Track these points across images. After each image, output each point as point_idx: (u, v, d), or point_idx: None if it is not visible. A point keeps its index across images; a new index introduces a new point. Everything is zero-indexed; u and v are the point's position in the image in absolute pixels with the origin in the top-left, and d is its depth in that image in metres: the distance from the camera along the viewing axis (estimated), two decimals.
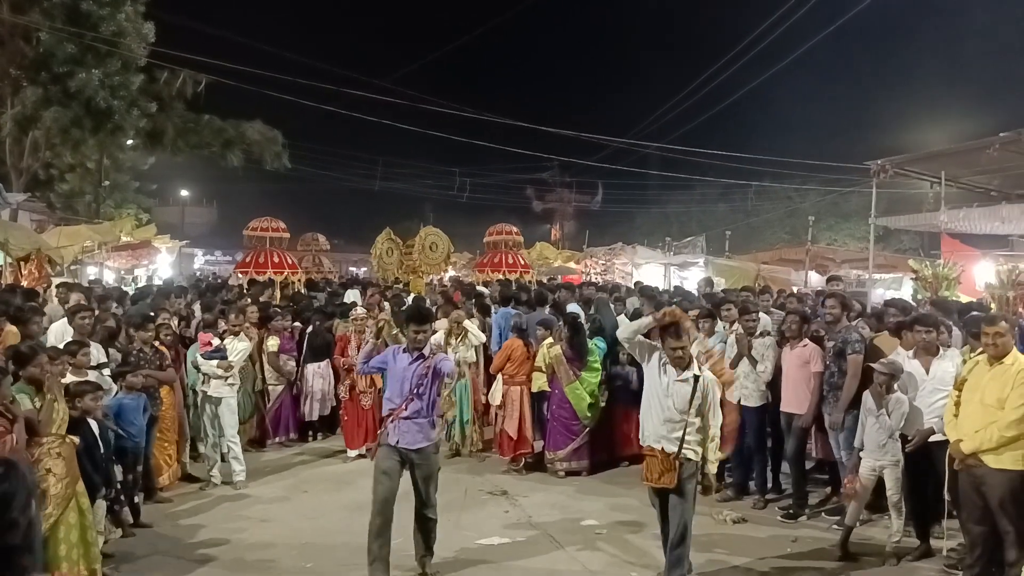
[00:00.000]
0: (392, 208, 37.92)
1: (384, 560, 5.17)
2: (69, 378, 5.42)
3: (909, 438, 5.78)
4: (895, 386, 5.88)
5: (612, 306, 9.62)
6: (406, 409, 5.26)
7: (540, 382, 8.20)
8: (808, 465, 7.29)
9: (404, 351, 5.44)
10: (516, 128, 21.41)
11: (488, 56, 74.42)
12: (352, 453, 8.62)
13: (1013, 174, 13.07)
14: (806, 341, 6.83)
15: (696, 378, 5.07)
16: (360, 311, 9.08)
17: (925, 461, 5.75)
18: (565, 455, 7.98)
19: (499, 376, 8.32)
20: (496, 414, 8.34)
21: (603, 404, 8.10)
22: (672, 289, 14.41)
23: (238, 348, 7.70)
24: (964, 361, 5.65)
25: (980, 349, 5.17)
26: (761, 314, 7.75)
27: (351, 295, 12.92)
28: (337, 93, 20.29)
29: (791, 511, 6.77)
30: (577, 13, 72.49)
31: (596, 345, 8.19)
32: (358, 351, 8.55)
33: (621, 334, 5.54)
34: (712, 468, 5.13)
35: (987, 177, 14.17)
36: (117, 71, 19.49)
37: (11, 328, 6.66)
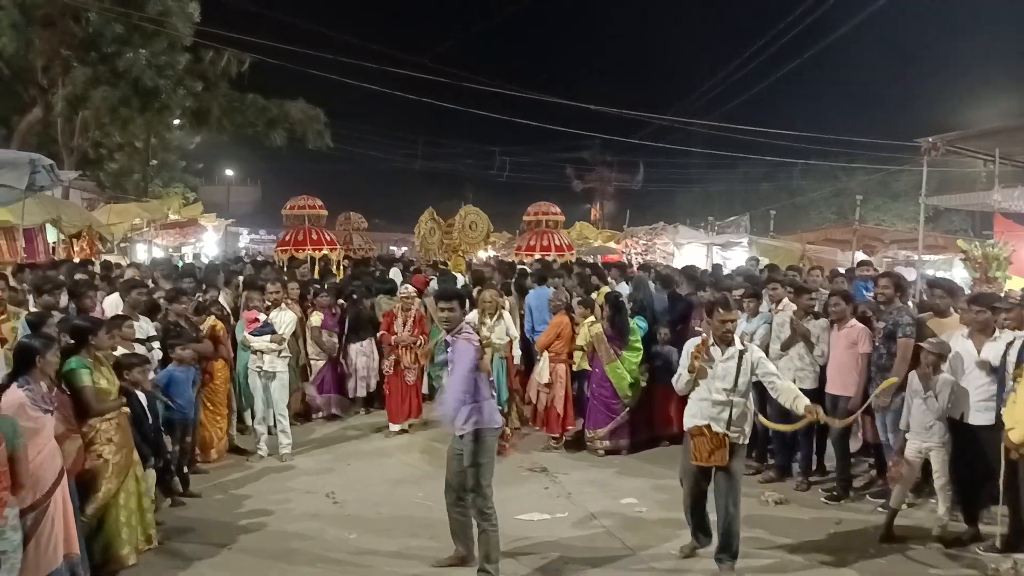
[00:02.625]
0: (432, 187, 38.00)
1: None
2: (118, 351, 5.56)
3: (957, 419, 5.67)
4: (943, 367, 5.76)
5: (653, 285, 9.53)
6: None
7: (580, 361, 8.20)
8: (853, 447, 7.19)
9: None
10: (556, 106, 21.24)
11: (529, 33, 73.69)
12: (395, 427, 8.73)
13: None
14: (853, 321, 6.70)
15: (741, 353, 5.03)
16: (409, 288, 9.16)
17: (974, 444, 5.62)
18: (605, 434, 7.98)
19: (545, 353, 8.31)
20: (538, 392, 8.34)
21: (644, 384, 8.06)
22: (711, 269, 14.20)
23: (285, 320, 7.84)
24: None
25: None
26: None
27: (393, 274, 13.03)
28: (379, 72, 20.30)
29: (835, 493, 6.69)
30: None
31: (637, 324, 8.15)
32: (404, 328, 8.68)
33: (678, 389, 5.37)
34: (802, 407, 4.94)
35: None
36: (163, 51, 19.79)
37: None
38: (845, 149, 27.32)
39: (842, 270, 11.57)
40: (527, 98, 19.97)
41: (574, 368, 8.27)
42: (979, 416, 5.62)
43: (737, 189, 38.32)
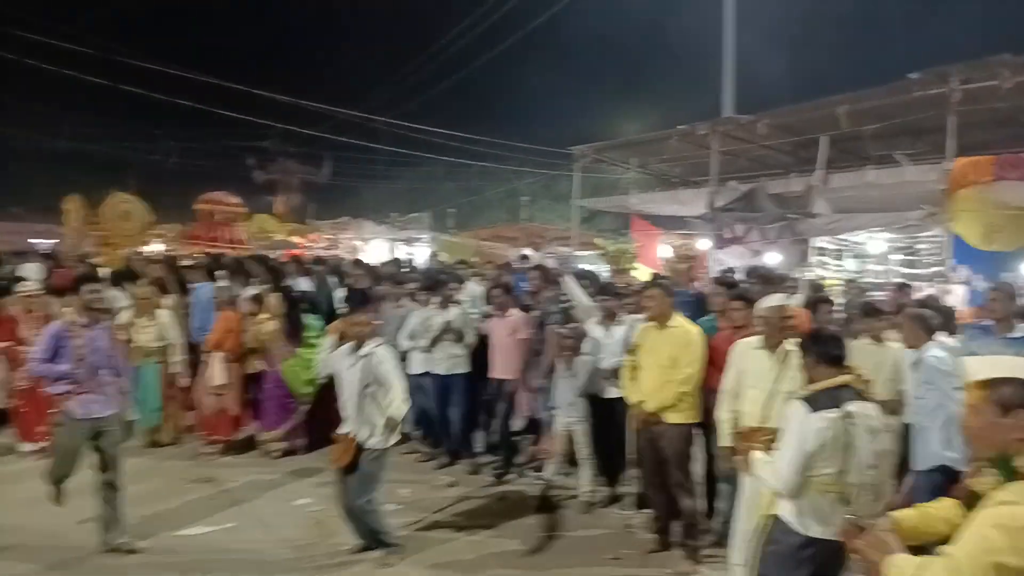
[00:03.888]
0: (90, 172, 33.43)
1: None
2: None
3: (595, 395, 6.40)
4: (581, 350, 6.45)
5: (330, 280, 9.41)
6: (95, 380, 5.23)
7: (253, 361, 7.80)
8: (518, 426, 7.78)
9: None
10: (233, 92, 20.02)
11: (208, 16, 68.41)
12: (29, 447, 7.53)
13: (690, 163, 14.99)
14: (514, 311, 7.24)
15: (364, 356, 5.15)
16: (29, 286, 7.93)
17: (609, 417, 6.36)
18: (281, 435, 7.69)
19: (217, 353, 7.74)
20: (207, 396, 7.76)
21: (321, 381, 7.89)
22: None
23: None
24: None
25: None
26: (472, 285, 8.08)
27: (29, 269, 11.20)
28: (12, 37, 17.40)
29: (500, 470, 7.18)
30: None
31: (313, 321, 7.97)
32: (32, 332, 7.48)
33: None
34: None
35: (670, 164, 16.12)
36: None
37: None
38: (516, 154, 29.61)
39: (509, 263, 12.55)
40: (197, 80, 18.58)
41: (249, 370, 7.84)
42: (612, 392, 6.40)
43: (420, 187, 39.53)
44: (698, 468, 5.72)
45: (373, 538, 5.24)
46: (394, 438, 5.17)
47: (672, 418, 5.35)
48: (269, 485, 6.91)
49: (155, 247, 17.18)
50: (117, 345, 5.78)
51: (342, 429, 5.21)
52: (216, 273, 9.28)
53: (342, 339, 5.58)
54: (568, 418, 6.39)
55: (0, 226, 20.70)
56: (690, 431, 5.45)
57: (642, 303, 5.69)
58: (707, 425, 5.34)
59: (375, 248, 21.60)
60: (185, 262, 11.59)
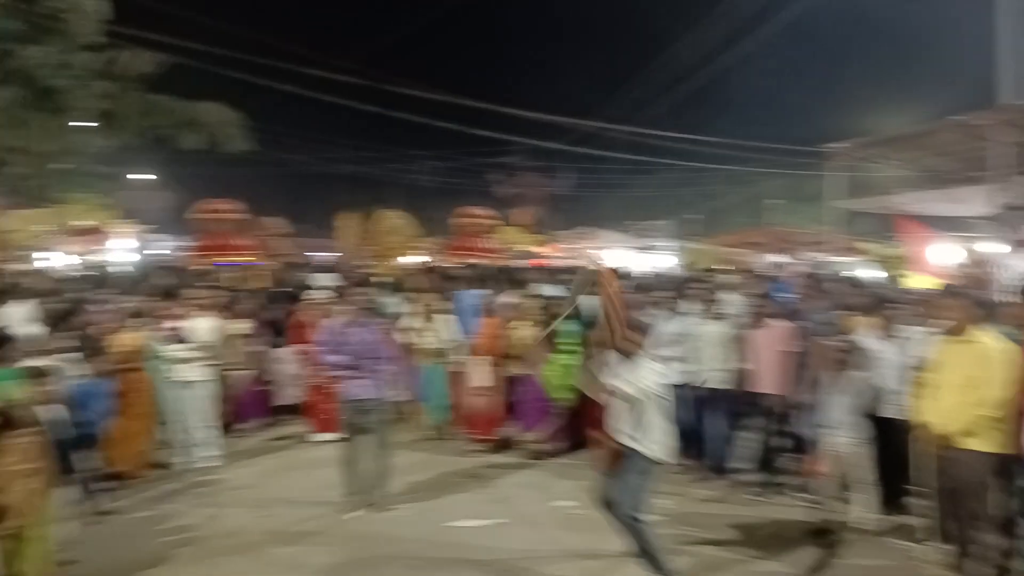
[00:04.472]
0: (356, 192, 37.37)
1: None
2: (32, 362, 5.23)
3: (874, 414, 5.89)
4: (857, 364, 5.96)
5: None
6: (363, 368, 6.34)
7: (513, 364, 8.18)
8: (780, 443, 7.39)
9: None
10: (480, 110, 21.24)
11: (454, 37, 73.53)
12: (319, 437, 8.52)
13: (964, 157, 13.36)
14: (776, 322, 6.90)
15: (640, 370, 5.11)
16: (318, 295, 8.99)
17: (889, 438, 5.84)
18: (538, 436, 7.99)
19: (481, 357, 8.25)
20: (472, 396, 8.28)
21: (578, 387, 8.08)
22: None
23: (204, 328, 7.54)
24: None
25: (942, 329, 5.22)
26: (730, 295, 7.84)
27: (321, 279, 12.73)
28: (300, 74, 19.85)
29: (763, 489, 6.86)
30: None
31: (570, 327, 8.16)
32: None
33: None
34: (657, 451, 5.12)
35: (942, 160, 14.47)
36: (61, 49, 18.79)
37: None
38: (759, 155, 28.31)
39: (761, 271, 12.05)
40: (449, 102, 19.89)
41: (508, 372, 8.24)
42: (893, 411, 5.85)
43: (658, 194, 39.16)
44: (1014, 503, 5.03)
45: (644, 553, 5.19)
46: (661, 451, 5.13)
47: (970, 444, 4.78)
48: (532, 485, 7.19)
49: (418, 258, 18.73)
50: (385, 340, 6.79)
51: (608, 435, 5.25)
52: (476, 282, 9.88)
53: (609, 348, 5.60)
54: (840, 438, 5.95)
55: (283, 241, 23.60)
56: (993, 460, 4.82)
57: (937, 313, 5.12)
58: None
59: (615, 257, 21.74)
60: (448, 272, 12.48)
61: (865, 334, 6.29)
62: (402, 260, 17.53)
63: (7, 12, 17.20)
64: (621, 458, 5.11)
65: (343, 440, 6.61)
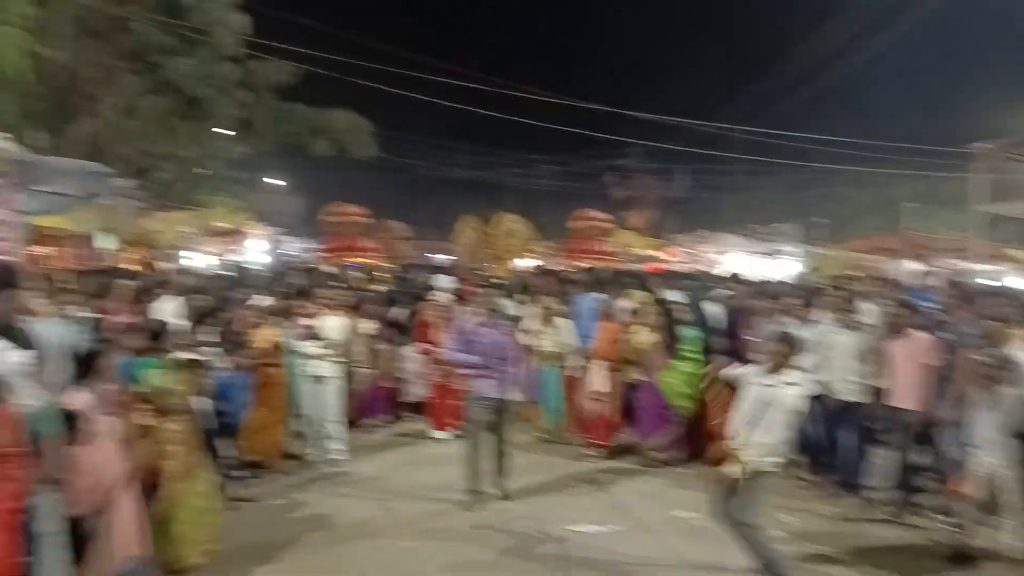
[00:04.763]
0: (473, 195, 38.10)
1: None
2: (184, 354, 5.62)
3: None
4: (1008, 380, 5.53)
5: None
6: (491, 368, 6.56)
7: (633, 370, 8.10)
8: (919, 462, 6.97)
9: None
10: (597, 112, 21.15)
11: (569, 39, 73.67)
12: (442, 435, 8.72)
13: None
14: (917, 333, 6.50)
15: (780, 384, 4.94)
16: (442, 297, 9.19)
17: None
18: (658, 444, 7.88)
19: (601, 362, 8.23)
20: (590, 400, 8.26)
21: (699, 395, 7.92)
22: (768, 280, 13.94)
23: (335, 326, 7.88)
24: None
25: None
26: (865, 304, 7.46)
27: (441, 280, 13.05)
28: (420, 80, 20.43)
29: (898, 509, 6.48)
30: None
31: (692, 334, 8.01)
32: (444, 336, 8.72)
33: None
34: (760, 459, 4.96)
35: None
36: (208, 60, 20.17)
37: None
38: (892, 156, 26.75)
39: (897, 279, 11.36)
40: (567, 104, 19.90)
41: (627, 378, 8.17)
42: None
43: (782, 197, 37.69)
44: None
45: (767, 570, 5.03)
46: (779, 462, 4.96)
47: None
48: (649, 492, 7.10)
49: (535, 261, 18.90)
50: (511, 342, 6.97)
51: (728, 444, 5.11)
52: (595, 285, 9.84)
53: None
54: (988, 458, 5.53)
55: (405, 243, 24.38)
56: None
57: None
58: None
59: (736, 261, 21.12)
60: (565, 275, 12.49)
61: (1018, 347, 5.83)
62: (520, 263, 17.74)
63: (160, 27, 18.62)
64: (741, 468, 4.96)
65: (466, 437, 6.75)
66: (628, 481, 7.42)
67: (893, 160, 27.56)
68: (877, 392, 6.68)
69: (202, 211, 21.46)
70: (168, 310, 7.68)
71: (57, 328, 5.35)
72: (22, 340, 4.25)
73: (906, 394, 6.41)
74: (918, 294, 8.47)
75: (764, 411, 4.91)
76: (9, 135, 7.55)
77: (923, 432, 6.36)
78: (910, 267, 15.46)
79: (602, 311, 8.69)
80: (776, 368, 5.03)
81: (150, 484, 4.70)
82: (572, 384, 8.56)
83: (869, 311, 7.28)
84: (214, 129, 22.87)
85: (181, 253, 20.00)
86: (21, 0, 14.87)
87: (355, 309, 9.25)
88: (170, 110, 19.88)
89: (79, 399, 4.13)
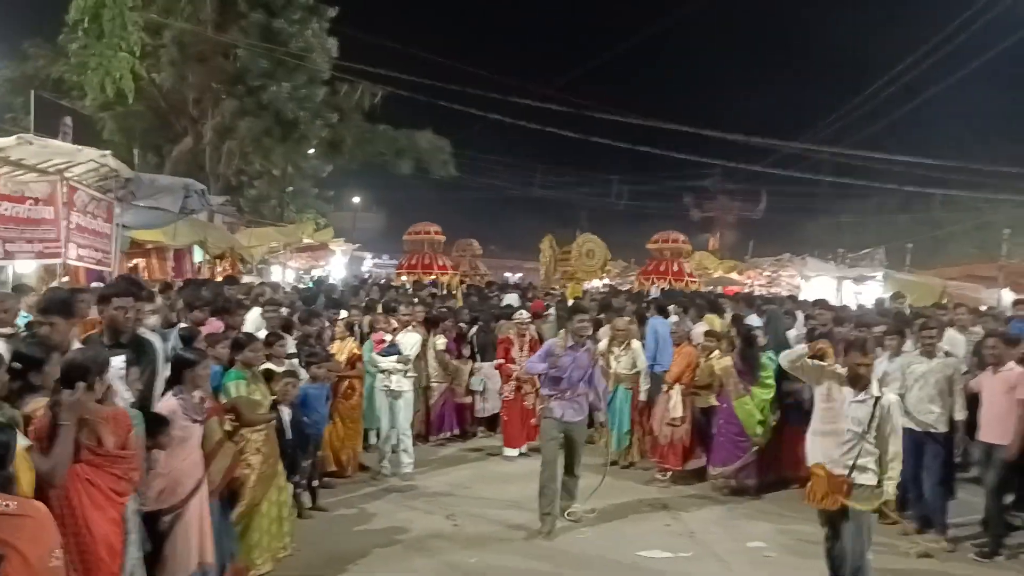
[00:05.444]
0: (548, 215, 38.31)
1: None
2: (269, 365, 5.85)
3: None
4: None
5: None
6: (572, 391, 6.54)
7: (707, 396, 7.98)
8: (1013, 500, 6.62)
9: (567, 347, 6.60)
10: (677, 133, 20.98)
11: (649, 60, 73.36)
12: (512, 452, 8.77)
13: None
14: (1012, 364, 6.19)
15: (876, 399, 4.79)
16: (524, 315, 9.25)
17: None
18: (731, 472, 7.70)
19: (677, 386, 8.14)
20: (664, 425, 8.18)
21: (774, 422, 7.73)
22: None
23: (411, 342, 8.05)
24: None
25: None
26: (952, 332, 7.16)
27: (510, 299, 13.17)
28: (500, 102, 20.75)
29: (987, 549, 6.15)
30: (742, 10, 69.30)
31: (769, 359, 7.83)
32: (521, 353, 8.79)
33: (783, 361, 5.70)
34: (890, 489, 4.82)
35: None
36: (303, 84, 21.04)
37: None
38: (989, 179, 25.54)
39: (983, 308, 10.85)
40: (646, 126, 19.82)
41: (701, 404, 8.06)
42: None
43: (869, 220, 36.39)
44: None
45: None
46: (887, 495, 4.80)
47: None
48: (721, 520, 6.96)
49: (611, 281, 18.86)
50: (594, 365, 6.84)
51: (819, 461, 4.96)
52: (670, 308, 9.74)
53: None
54: None
55: (482, 261, 24.71)
56: None
57: None
58: None
59: (820, 286, 20.45)
60: (642, 296, 12.43)
61: None
62: (596, 283, 17.72)
63: (259, 53, 19.56)
64: (845, 496, 4.80)
65: (540, 458, 6.70)
66: (699, 508, 7.29)
67: (991, 184, 26.33)
68: (965, 426, 6.39)
69: (290, 227, 22.29)
70: (254, 322, 8.02)
71: (155, 336, 5.65)
72: (134, 347, 4.45)
73: (1000, 429, 6.11)
74: (1018, 325, 8.04)
75: (864, 431, 4.78)
76: (113, 153, 8.04)
77: (1017, 469, 6.03)
78: (1008, 296, 14.66)
79: (677, 334, 8.60)
80: (864, 384, 4.90)
81: (230, 491, 4.89)
82: (644, 407, 8.48)
83: (955, 340, 6.97)
84: (306, 150, 23.79)
85: (269, 267, 20.80)
86: (136, 30, 15.91)
87: (432, 325, 9.43)
88: (266, 131, 20.79)
89: (167, 404, 4.34)
